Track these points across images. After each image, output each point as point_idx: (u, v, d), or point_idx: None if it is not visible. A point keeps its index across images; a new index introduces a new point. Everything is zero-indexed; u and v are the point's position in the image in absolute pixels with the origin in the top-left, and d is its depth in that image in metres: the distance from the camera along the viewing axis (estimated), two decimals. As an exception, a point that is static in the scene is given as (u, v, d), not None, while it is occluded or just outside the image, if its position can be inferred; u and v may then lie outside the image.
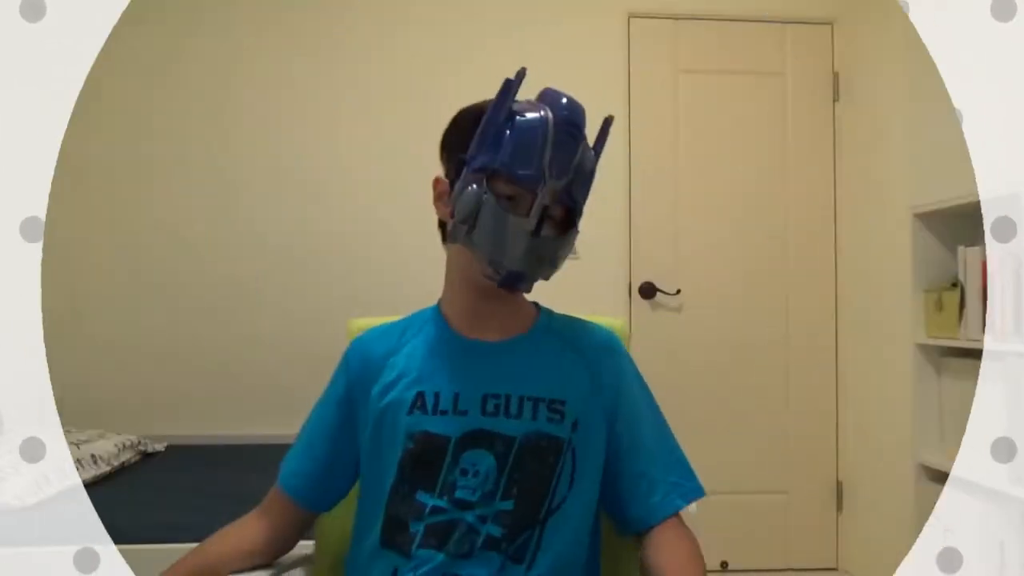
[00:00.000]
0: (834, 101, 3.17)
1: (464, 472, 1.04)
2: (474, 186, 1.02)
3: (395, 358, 1.13)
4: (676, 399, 2.95)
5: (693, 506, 1.12)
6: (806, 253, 3.16)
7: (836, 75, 3.15)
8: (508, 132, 1.01)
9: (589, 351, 1.16)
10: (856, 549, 3.03)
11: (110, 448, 2.33)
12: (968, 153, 2.21)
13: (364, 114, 3.04)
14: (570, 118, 1.02)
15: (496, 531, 1.02)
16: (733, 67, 3.14)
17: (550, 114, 1.01)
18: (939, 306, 2.30)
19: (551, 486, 1.05)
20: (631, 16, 3.12)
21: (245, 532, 1.16)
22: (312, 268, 3.00)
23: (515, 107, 1.03)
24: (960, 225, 2.37)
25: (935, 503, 2.28)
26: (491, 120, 1.02)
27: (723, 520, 3.03)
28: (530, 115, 1.02)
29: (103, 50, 2.95)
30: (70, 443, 2.25)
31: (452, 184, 1.08)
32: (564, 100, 1.03)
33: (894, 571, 2.66)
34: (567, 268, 1.13)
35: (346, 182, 3.04)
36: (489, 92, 1.09)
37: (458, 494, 1.03)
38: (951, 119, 2.30)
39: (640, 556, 1.08)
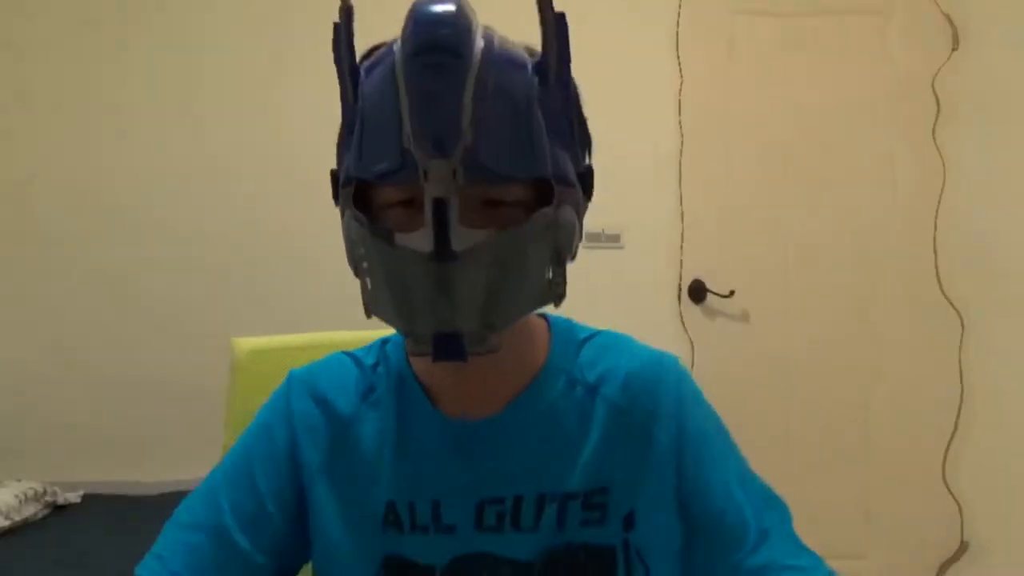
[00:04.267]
0: (952, 50, 2.57)
1: None
2: (347, 213, 0.73)
3: (360, 428, 0.83)
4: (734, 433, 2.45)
5: None
6: (906, 243, 2.61)
7: (948, 18, 2.57)
8: (358, 110, 0.71)
9: (631, 401, 0.82)
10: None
11: (9, 500, 2.05)
12: None
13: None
14: (421, 41, 0.64)
15: None
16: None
17: (397, 53, 0.66)
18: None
19: None
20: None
21: None
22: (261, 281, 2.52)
23: (369, 60, 0.72)
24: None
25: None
26: (341, 99, 0.72)
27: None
28: (373, 69, 0.70)
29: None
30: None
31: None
32: (415, 15, 0.65)
33: None
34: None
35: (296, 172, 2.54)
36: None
37: None
38: None
39: None
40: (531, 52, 0.73)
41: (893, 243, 2.64)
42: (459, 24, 0.64)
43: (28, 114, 2.53)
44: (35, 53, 2.53)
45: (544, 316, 0.86)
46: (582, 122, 0.77)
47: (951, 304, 2.60)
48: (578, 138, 0.76)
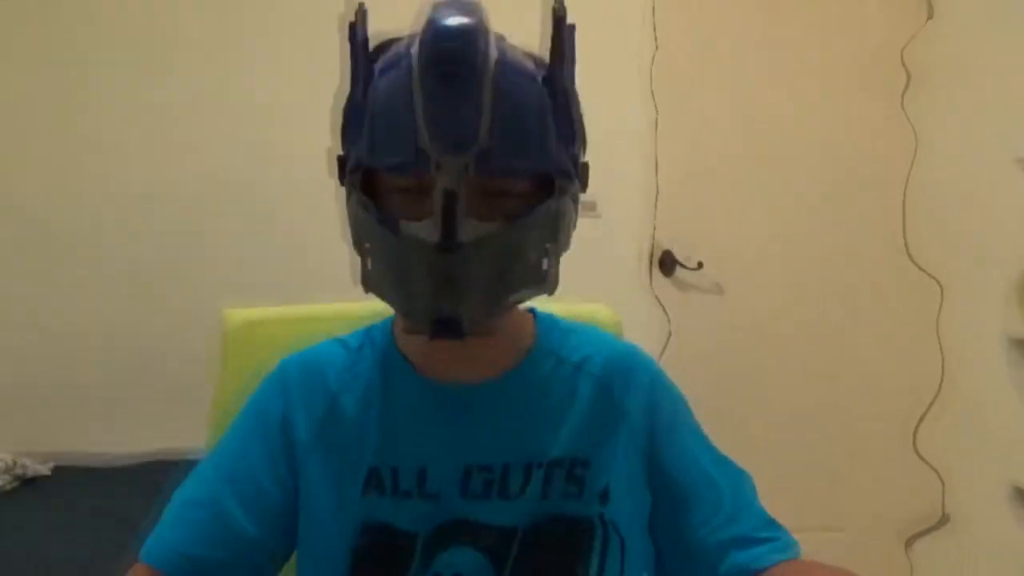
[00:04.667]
0: (928, 19, 2.52)
1: None
2: (353, 196, 0.76)
3: (346, 398, 0.84)
4: (710, 412, 2.42)
5: None
6: (878, 213, 2.57)
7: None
8: (368, 103, 0.73)
9: (609, 378, 0.86)
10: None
11: (-23, 472, 1.94)
12: None
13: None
14: (442, 53, 0.66)
15: None
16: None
17: (414, 59, 0.68)
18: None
19: None
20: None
21: None
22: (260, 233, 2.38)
23: (384, 58, 0.75)
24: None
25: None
26: (351, 91, 0.76)
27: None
28: (388, 71, 0.72)
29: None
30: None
31: None
32: (434, 26, 0.67)
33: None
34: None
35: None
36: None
37: None
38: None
39: None
40: (535, 59, 0.77)
41: (866, 213, 2.60)
42: (475, 37, 0.66)
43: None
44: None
45: (529, 308, 0.90)
46: (580, 121, 0.80)
47: (927, 273, 2.57)
48: (578, 136, 0.79)
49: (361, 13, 0.74)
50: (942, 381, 2.55)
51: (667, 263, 2.54)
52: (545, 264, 0.76)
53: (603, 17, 2.49)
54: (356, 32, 0.74)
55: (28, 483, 2.05)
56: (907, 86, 2.54)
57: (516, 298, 0.77)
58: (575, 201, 0.81)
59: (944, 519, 2.55)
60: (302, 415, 0.83)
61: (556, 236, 0.77)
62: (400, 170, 0.72)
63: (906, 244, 2.58)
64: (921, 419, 2.58)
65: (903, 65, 2.54)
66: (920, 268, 2.57)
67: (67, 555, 1.63)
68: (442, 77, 0.66)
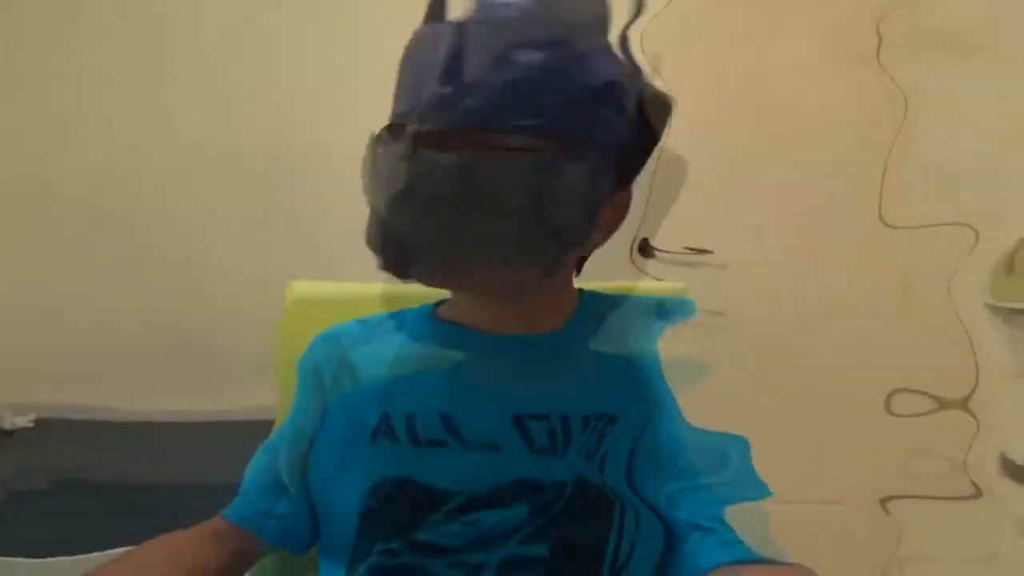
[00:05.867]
0: None
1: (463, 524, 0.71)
2: None
3: (363, 348, 0.84)
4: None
5: None
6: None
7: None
8: None
9: (632, 338, 0.83)
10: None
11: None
12: None
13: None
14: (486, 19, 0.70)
15: None
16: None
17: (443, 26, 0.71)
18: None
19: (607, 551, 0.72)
20: None
21: (197, 554, 0.76)
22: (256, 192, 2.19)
23: None
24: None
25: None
26: None
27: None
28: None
29: None
30: None
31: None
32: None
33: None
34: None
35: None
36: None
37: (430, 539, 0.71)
38: None
39: None
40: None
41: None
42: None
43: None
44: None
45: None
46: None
47: (963, 224, 2.44)
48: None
49: None
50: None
51: (646, 249, 2.42)
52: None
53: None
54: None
55: (6, 435, 1.95)
56: (881, 49, 2.52)
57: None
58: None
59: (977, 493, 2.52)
60: (324, 363, 0.84)
61: None
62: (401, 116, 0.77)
63: (881, 208, 2.53)
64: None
65: (884, 31, 2.51)
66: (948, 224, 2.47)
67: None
68: (481, 38, 0.70)
